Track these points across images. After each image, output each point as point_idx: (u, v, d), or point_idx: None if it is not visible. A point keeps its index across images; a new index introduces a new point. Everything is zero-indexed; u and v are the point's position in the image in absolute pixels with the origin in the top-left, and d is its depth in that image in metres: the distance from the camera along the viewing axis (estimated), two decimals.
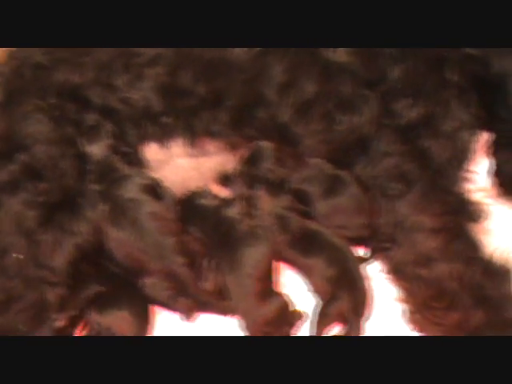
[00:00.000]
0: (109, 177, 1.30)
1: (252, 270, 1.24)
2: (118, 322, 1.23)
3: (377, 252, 1.35)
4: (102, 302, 1.26)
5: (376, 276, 1.32)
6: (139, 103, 1.37)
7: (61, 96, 1.36)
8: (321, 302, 1.27)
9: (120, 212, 1.26)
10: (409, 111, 1.35)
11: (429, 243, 1.25)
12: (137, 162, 1.37)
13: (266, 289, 1.25)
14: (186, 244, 1.29)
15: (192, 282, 1.25)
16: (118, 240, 1.26)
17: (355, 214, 1.34)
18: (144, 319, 1.25)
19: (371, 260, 1.35)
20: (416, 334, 1.24)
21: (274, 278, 1.28)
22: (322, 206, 1.36)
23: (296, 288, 1.33)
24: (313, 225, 1.34)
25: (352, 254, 1.30)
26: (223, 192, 1.41)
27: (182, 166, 1.40)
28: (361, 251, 1.36)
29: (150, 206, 1.28)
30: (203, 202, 1.33)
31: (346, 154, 1.40)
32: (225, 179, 1.41)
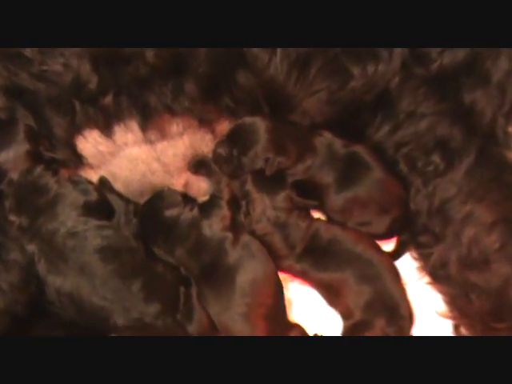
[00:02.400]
0: (33, 203, 0.90)
1: (250, 309, 0.91)
2: None
3: (409, 248, 1.04)
4: None
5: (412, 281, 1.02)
6: (63, 78, 0.94)
7: None
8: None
9: (58, 256, 0.88)
10: (443, 54, 0.98)
11: (482, 239, 0.97)
12: (70, 163, 0.98)
13: (276, 326, 0.93)
14: (157, 277, 0.93)
15: (174, 331, 0.92)
16: (62, 292, 0.89)
17: (380, 206, 1.00)
18: None
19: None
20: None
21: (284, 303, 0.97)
22: (335, 201, 1.01)
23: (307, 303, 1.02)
24: (323, 229, 0.99)
25: (387, 266, 0.98)
26: (198, 187, 1.03)
27: (135, 157, 1.01)
28: (388, 247, 1.04)
29: (98, 236, 0.91)
30: (171, 213, 0.95)
31: (360, 117, 1.03)
32: (199, 165, 1.03)
